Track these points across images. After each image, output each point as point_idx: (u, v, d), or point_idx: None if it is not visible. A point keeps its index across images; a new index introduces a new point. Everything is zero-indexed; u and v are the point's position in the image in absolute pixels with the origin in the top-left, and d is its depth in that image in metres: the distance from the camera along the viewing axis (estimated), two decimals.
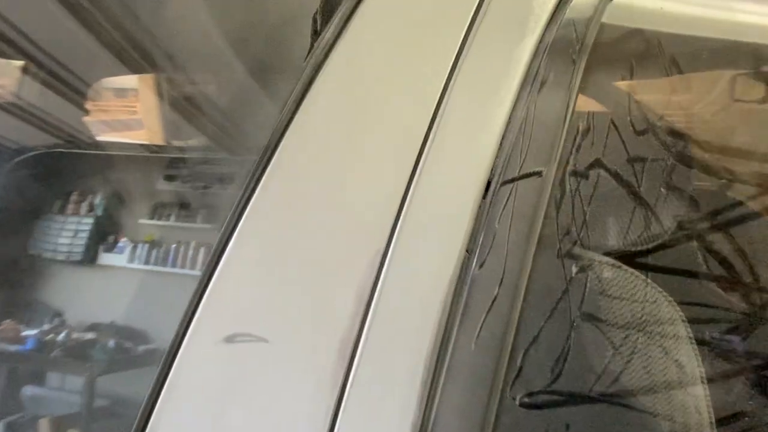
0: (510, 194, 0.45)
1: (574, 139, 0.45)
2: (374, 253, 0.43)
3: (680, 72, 0.44)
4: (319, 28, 0.50)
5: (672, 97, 0.44)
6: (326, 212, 0.45)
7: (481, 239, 0.45)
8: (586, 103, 0.46)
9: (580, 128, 0.46)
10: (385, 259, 0.43)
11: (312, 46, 0.49)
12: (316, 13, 0.50)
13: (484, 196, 0.45)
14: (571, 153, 0.45)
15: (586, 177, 0.45)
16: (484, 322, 0.40)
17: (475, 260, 0.45)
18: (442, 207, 0.45)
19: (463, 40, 0.47)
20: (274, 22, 0.59)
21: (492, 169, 0.45)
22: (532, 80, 0.45)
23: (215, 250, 0.43)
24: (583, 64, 0.44)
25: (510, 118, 0.45)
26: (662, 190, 0.44)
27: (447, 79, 0.46)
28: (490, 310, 0.41)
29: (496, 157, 0.45)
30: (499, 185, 0.45)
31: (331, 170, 0.46)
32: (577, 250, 0.45)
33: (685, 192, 0.44)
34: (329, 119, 0.47)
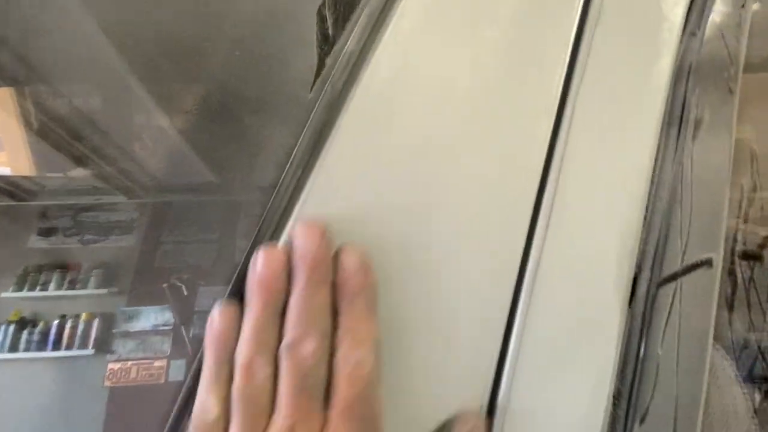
0: (673, 298, 0.29)
1: (740, 206, 0.31)
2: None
3: None
4: (330, 29, 0.29)
5: None
6: None
7: (636, 377, 0.28)
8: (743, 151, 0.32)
9: (744, 188, 0.31)
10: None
11: (321, 62, 0.29)
12: (322, 5, 0.30)
13: (630, 303, 0.29)
14: (737, 226, 0.31)
15: (760, 258, 0.31)
16: None
17: (630, 412, 0.28)
18: (565, 324, 0.28)
19: (570, 58, 0.30)
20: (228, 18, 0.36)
21: (639, 260, 0.29)
22: (679, 119, 0.30)
23: None
24: (738, 96, 0.31)
25: (656, 177, 0.29)
26: None
27: (555, 123, 0.29)
28: None
29: (644, 240, 0.29)
30: (655, 286, 0.29)
31: None
32: (758, 370, 0.31)
33: None
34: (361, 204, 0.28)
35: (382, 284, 0.26)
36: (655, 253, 0.29)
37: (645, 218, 0.29)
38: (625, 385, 0.29)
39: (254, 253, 0.24)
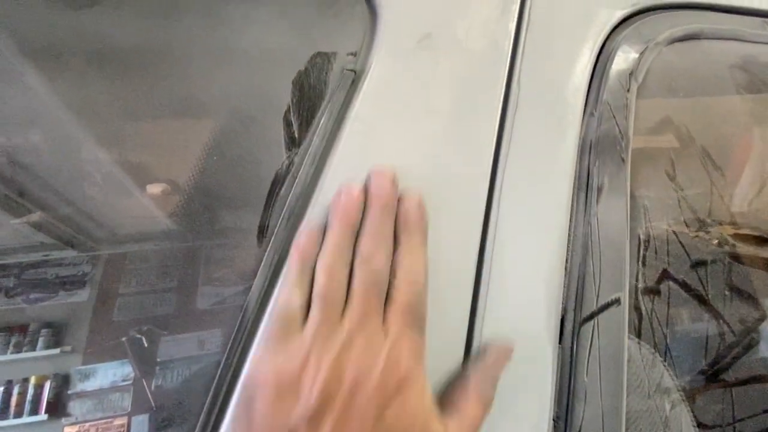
0: (593, 333, 0.36)
1: (638, 251, 0.39)
2: None
3: (714, 164, 0.42)
4: (296, 132, 0.35)
5: (714, 192, 0.42)
6: None
7: (570, 401, 0.35)
8: (637, 207, 0.40)
9: (641, 237, 0.40)
10: None
11: (290, 162, 0.35)
12: (287, 111, 0.35)
13: (560, 341, 0.36)
14: (638, 268, 0.39)
15: (658, 293, 0.39)
16: None
17: (568, 430, 0.35)
18: (510, 363, 0.35)
19: (496, 146, 0.37)
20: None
21: (564, 304, 0.36)
22: (586, 186, 0.38)
23: None
24: (629, 164, 0.39)
25: (571, 234, 0.37)
26: (726, 292, 0.40)
27: (488, 195, 0.36)
28: None
29: (566, 286, 0.36)
30: (578, 324, 0.36)
31: None
32: (667, 382, 0.39)
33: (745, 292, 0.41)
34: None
35: None
36: (576, 297, 0.36)
37: (566, 269, 0.37)
38: (561, 408, 0.36)
39: (338, 189, 0.31)
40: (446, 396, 0.32)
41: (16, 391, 1.26)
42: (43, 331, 1.24)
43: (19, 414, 1.25)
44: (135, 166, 0.34)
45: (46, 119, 0.37)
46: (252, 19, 0.36)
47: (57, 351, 1.21)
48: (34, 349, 1.23)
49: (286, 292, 0.30)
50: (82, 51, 0.32)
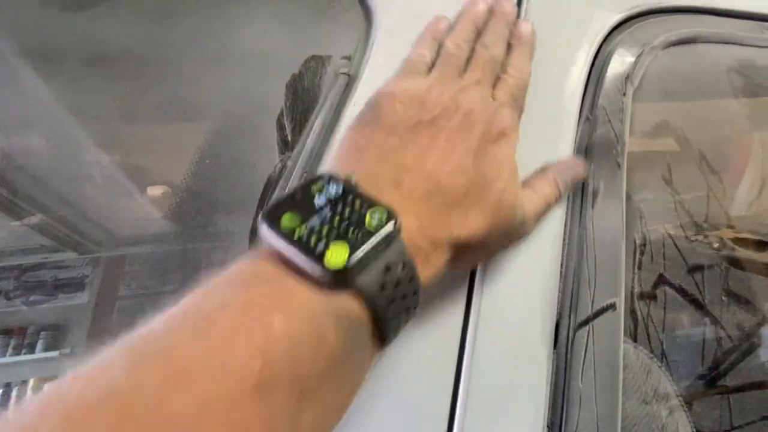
0: (587, 338, 0.36)
1: (634, 256, 0.39)
2: None
3: (711, 168, 0.42)
4: (289, 136, 0.35)
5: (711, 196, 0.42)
6: None
7: (564, 408, 0.35)
8: (633, 212, 0.40)
9: (637, 242, 0.39)
10: None
11: (283, 165, 0.34)
12: (281, 115, 0.35)
13: (555, 346, 0.36)
14: (633, 273, 0.39)
15: (654, 298, 0.39)
16: None
17: None
18: (504, 370, 0.34)
19: None
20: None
21: (559, 309, 0.36)
22: (581, 191, 0.38)
23: None
24: (625, 168, 0.39)
25: (566, 239, 0.37)
26: (723, 297, 0.40)
27: None
28: None
29: (561, 291, 0.36)
30: (573, 330, 0.36)
31: None
32: (664, 387, 0.38)
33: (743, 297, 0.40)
34: None
35: None
36: (571, 302, 0.36)
37: (560, 274, 0.36)
38: (556, 414, 0.35)
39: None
40: (524, 180, 0.35)
41: (14, 393, 1.25)
42: (43, 334, 1.24)
43: None
44: (130, 168, 0.34)
45: (43, 121, 0.37)
46: (247, 23, 0.36)
47: (56, 354, 1.20)
48: (33, 351, 1.23)
49: (416, 50, 0.35)
50: (78, 53, 0.33)
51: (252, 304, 0.20)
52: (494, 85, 0.34)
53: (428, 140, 0.29)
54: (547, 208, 0.35)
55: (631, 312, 0.38)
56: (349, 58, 0.36)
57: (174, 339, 0.19)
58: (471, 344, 0.34)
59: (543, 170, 0.36)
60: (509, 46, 0.37)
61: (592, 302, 0.36)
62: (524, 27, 0.38)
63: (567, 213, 0.37)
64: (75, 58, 0.32)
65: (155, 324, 0.20)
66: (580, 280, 0.36)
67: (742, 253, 0.41)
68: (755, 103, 0.45)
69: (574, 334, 0.36)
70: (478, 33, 0.36)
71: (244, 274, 0.22)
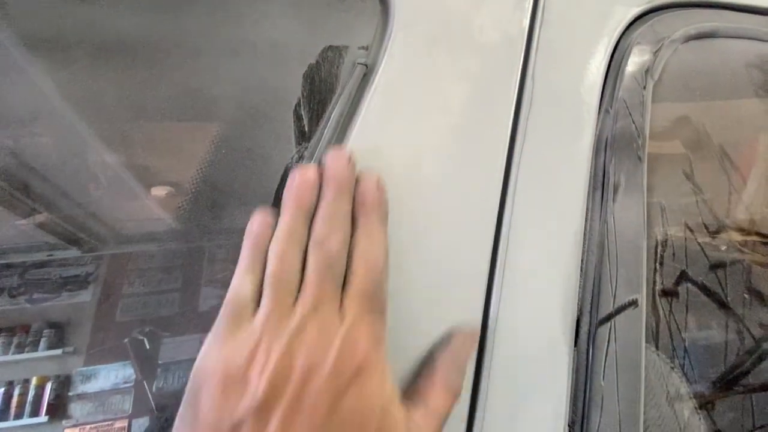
0: (609, 335, 0.35)
1: (656, 252, 0.38)
2: None
3: (732, 163, 0.41)
4: (306, 126, 0.34)
5: (733, 193, 0.41)
6: None
7: (585, 406, 0.34)
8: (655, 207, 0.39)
9: (658, 238, 0.38)
10: None
11: (300, 156, 0.34)
12: (297, 105, 0.34)
13: (576, 343, 0.35)
14: (655, 269, 0.38)
15: (676, 295, 0.38)
16: None
17: None
18: (521, 366, 0.33)
19: (510, 143, 0.36)
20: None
21: (580, 305, 0.35)
22: (601, 185, 0.37)
23: None
24: (646, 162, 0.38)
25: (587, 234, 0.36)
26: (746, 296, 0.39)
27: (501, 195, 0.35)
28: None
29: (581, 287, 0.35)
30: (594, 326, 0.35)
31: None
32: (685, 388, 0.37)
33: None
34: None
35: None
36: (592, 298, 0.35)
37: (581, 269, 0.36)
38: (577, 414, 0.34)
39: (291, 171, 0.29)
40: (413, 385, 0.30)
41: (17, 392, 1.24)
42: (46, 332, 1.23)
43: (19, 415, 1.23)
44: (141, 163, 0.33)
45: (47, 115, 0.36)
46: (262, 13, 0.35)
47: (59, 352, 1.19)
48: (36, 349, 1.21)
49: (237, 280, 0.28)
50: (87, 44, 0.32)
51: None
52: (339, 287, 0.28)
53: None
54: (445, 419, 0.29)
55: (653, 309, 0.37)
56: (366, 48, 0.35)
57: None
58: (490, 342, 0.33)
59: (430, 373, 0.30)
60: (353, 222, 0.29)
61: (614, 299, 0.35)
62: (367, 188, 0.30)
63: (587, 207, 0.36)
64: (81, 48, 0.31)
65: None
66: (601, 275, 0.35)
67: (765, 255, 0.40)
68: None
69: (595, 331, 0.35)
70: (310, 216, 0.29)
71: None
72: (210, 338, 0.27)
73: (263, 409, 0.24)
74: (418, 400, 0.29)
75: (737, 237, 0.39)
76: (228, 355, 0.26)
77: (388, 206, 0.30)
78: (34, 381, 1.31)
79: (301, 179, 0.29)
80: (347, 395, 0.25)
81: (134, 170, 0.35)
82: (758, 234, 0.40)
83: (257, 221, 0.29)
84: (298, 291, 0.27)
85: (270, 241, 0.28)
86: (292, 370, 0.25)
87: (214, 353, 0.26)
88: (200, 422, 0.24)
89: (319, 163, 0.30)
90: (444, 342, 0.31)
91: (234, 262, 0.29)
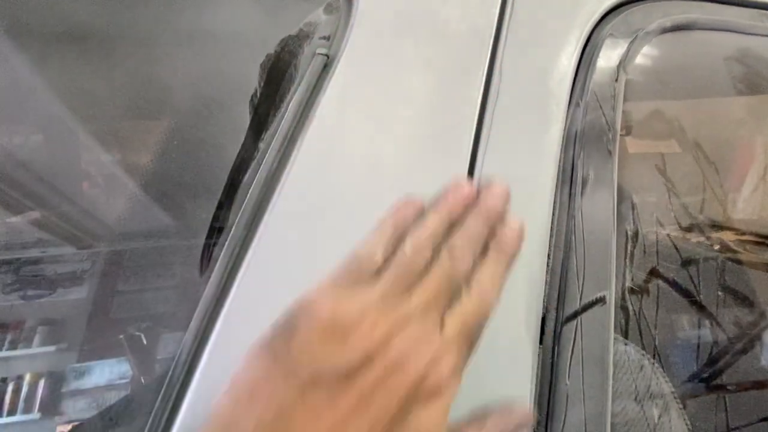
0: (575, 333, 0.33)
1: (626, 248, 0.37)
2: None
3: (706, 157, 0.39)
4: (263, 118, 0.33)
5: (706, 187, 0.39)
6: None
7: (549, 406, 0.33)
8: (625, 201, 0.38)
9: (629, 233, 0.37)
10: None
11: (255, 148, 0.32)
12: (254, 95, 0.33)
13: (541, 342, 0.33)
14: (625, 266, 0.36)
15: (647, 292, 0.36)
16: None
17: None
18: (483, 364, 0.32)
19: (475, 136, 0.35)
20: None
21: (545, 302, 0.34)
22: (570, 179, 0.35)
23: None
24: (617, 156, 0.37)
25: (554, 229, 0.34)
26: (719, 293, 0.37)
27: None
28: None
29: (548, 284, 0.34)
30: (560, 324, 0.33)
31: None
32: (657, 386, 0.36)
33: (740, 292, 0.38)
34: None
35: None
36: (558, 296, 0.34)
37: (547, 265, 0.34)
38: (542, 413, 0.33)
39: (453, 181, 0.30)
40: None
41: (10, 388, 1.23)
42: (40, 328, 1.22)
43: (12, 412, 1.22)
44: (94, 152, 0.32)
45: (10, 104, 0.35)
46: (220, 0, 0.34)
47: (53, 348, 1.18)
48: (30, 346, 1.20)
49: (371, 246, 0.29)
50: (39, 33, 0.31)
51: None
52: (449, 305, 0.28)
53: (327, 403, 0.24)
54: None
55: (622, 307, 0.36)
56: (327, 38, 0.34)
57: None
58: None
59: (480, 423, 0.29)
60: (484, 249, 0.29)
61: (581, 295, 0.34)
62: (510, 233, 0.30)
63: (555, 202, 0.35)
64: (40, 35, 0.30)
65: None
66: (568, 272, 0.34)
67: (745, 254, 0.38)
68: (758, 101, 0.43)
69: (561, 329, 0.33)
70: (452, 226, 0.30)
71: None
72: (328, 279, 0.27)
73: (348, 378, 0.24)
74: None
75: (711, 234, 0.38)
76: (341, 303, 0.26)
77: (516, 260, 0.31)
78: (27, 378, 1.30)
79: (461, 192, 0.30)
80: (418, 409, 0.25)
81: (86, 159, 0.34)
82: (732, 230, 0.38)
83: (411, 205, 0.30)
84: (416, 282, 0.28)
85: (410, 227, 0.29)
86: (386, 355, 0.25)
87: (328, 293, 0.27)
88: (287, 356, 0.25)
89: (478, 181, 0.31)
90: (504, 409, 0.30)
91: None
